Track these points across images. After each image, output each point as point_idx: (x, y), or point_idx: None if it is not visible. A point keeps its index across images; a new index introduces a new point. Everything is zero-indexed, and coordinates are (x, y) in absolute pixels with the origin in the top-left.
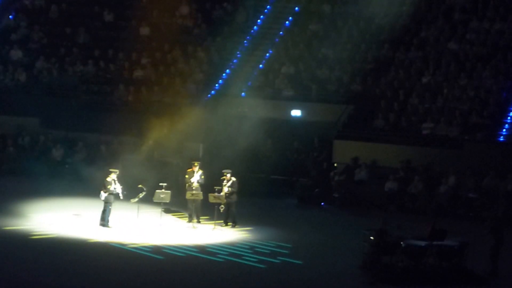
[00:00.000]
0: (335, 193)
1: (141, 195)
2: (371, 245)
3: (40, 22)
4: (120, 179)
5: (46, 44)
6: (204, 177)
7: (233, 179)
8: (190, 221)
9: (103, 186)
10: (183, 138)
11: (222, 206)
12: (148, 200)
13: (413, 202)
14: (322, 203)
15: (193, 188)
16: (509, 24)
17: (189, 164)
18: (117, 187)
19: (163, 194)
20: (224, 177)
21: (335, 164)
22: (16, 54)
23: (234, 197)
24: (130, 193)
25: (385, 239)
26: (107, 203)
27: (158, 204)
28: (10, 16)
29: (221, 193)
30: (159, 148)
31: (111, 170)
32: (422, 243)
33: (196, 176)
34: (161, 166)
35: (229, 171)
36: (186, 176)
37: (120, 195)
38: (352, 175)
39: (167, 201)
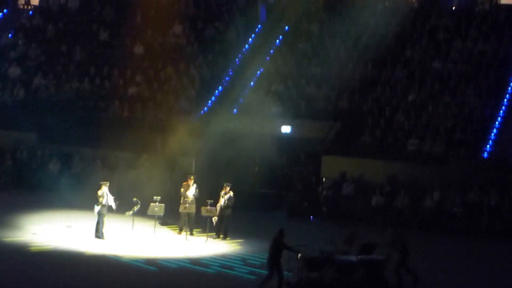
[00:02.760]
0: (323, 207)
1: (136, 208)
2: (300, 262)
3: (38, 40)
4: (117, 192)
5: (44, 61)
6: (199, 191)
7: (231, 193)
8: (180, 233)
9: (95, 199)
10: (177, 153)
11: (215, 218)
12: (143, 212)
13: (399, 216)
14: (311, 217)
15: (188, 201)
16: (492, 43)
17: (183, 178)
18: (109, 199)
19: (157, 207)
20: (224, 189)
21: (323, 179)
22: (15, 71)
23: (229, 211)
24: (125, 206)
25: (313, 256)
26: (100, 215)
27: (152, 216)
28: (9, 35)
29: (217, 205)
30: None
31: (102, 183)
32: (350, 258)
33: (192, 190)
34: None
35: (229, 184)
36: (182, 189)
37: (113, 206)
38: (339, 190)
39: (161, 214)
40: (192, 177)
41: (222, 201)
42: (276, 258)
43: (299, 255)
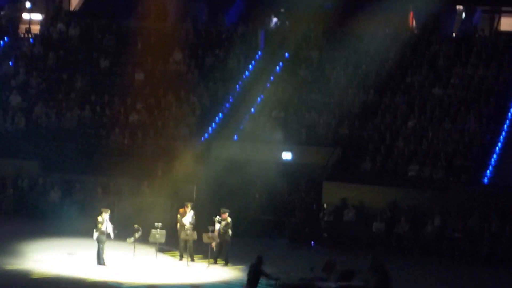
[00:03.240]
0: (325, 233)
1: (137, 235)
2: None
3: (39, 68)
4: (117, 219)
5: (45, 89)
6: (195, 218)
7: (229, 219)
8: (181, 259)
9: (95, 225)
10: (178, 179)
11: (214, 243)
12: (144, 239)
13: (400, 242)
14: (312, 243)
15: (186, 228)
16: (492, 70)
17: (183, 205)
18: (108, 227)
19: (158, 234)
20: (222, 215)
21: (324, 205)
22: (16, 99)
23: (228, 237)
24: (126, 233)
25: (292, 283)
26: (99, 242)
27: (153, 243)
28: (10, 63)
29: (215, 231)
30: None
31: (102, 209)
32: (330, 284)
33: (188, 217)
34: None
35: (227, 210)
36: (178, 216)
37: (111, 234)
38: (340, 216)
39: (162, 241)
40: (189, 204)
41: (217, 226)
42: (254, 285)
43: (277, 282)
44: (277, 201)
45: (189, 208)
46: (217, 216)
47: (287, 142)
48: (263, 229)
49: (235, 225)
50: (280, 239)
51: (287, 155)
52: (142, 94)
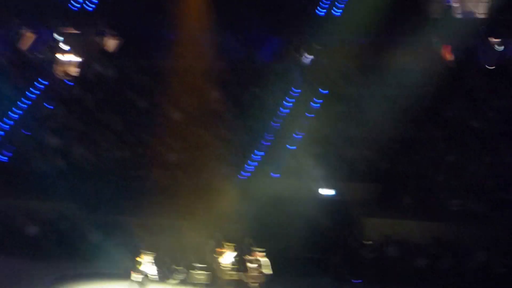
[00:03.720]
0: (367, 270)
1: (178, 276)
2: None
3: (77, 109)
4: (157, 260)
5: (83, 131)
6: (236, 257)
7: (264, 259)
8: None
9: (135, 267)
10: (218, 218)
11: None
12: (185, 280)
13: (444, 278)
14: (354, 280)
15: (225, 268)
16: None
17: (221, 244)
18: (148, 268)
19: (200, 275)
20: (257, 255)
21: (366, 242)
22: (54, 141)
23: (264, 277)
24: (166, 274)
25: None
26: (138, 283)
27: (194, 284)
28: (49, 105)
29: (252, 271)
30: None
31: (141, 250)
32: None
33: (228, 257)
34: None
35: (263, 250)
36: (216, 255)
37: (151, 276)
38: (383, 252)
39: (204, 282)
40: (228, 244)
41: (251, 266)
42: None
43: None
44: (318, 239)
45: (229, 247)
46: (249, 255)
47: (327, 178)
48: (304, 268)
49: (276, 263)
50: (322, 278)
51: (327, 191)
52: (179, 133)
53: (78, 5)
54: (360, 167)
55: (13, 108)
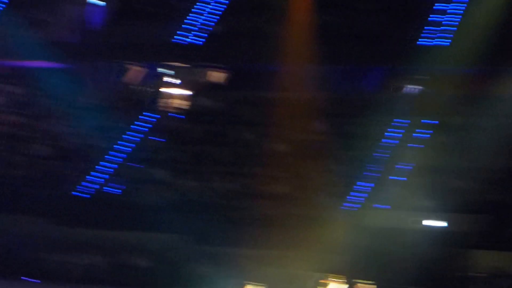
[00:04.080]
0: None
1: None
2: None
3: (187, 142)
4: None
5: (188, 162)
6: None
7: None
8: None
9: None
10: (323, 250)
11: None
12: None
13: None
14: None
15: None
16: None
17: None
18: None
19: None
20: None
21: (477, 274)
22: (161, 173)
23: None
24: None
25: None
26: None
27: None
28: (160, 138)
29: None
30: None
31: (245, 282)
32: None
33: None
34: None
35: (369, 282)
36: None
37: None
38: (494, 285)
39: None
40: (333, 276)
41: None
42: None
43: None
44: (427, 271)
45: (334, 279)
46: None
47: (436, 209)
48: None
49: None
50: None
51: (436, 222)
52: (286, 165)
53: (188, 39)
54: (469, 198)
55: (125, 142)
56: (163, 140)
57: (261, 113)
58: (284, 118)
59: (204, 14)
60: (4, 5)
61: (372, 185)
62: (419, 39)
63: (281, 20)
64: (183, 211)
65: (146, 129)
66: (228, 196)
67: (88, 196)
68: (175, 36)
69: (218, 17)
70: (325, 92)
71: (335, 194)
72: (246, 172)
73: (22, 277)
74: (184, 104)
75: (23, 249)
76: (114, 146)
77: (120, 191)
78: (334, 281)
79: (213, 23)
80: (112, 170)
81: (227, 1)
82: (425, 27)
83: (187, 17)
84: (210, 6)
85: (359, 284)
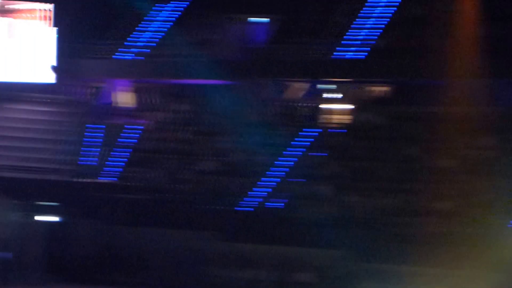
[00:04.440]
0: None
1: None
2: None
3: (348, 157)
4: None
5: (350, 177)
6: None
7: None
8: None
9: None
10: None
11: None
12: None
13: None
14: None
15: None
16: None
17: None
18: None
19: None
20: None
21: None
22: (322, 188)
23: None
24: None
25: None
26: None
27: None
28: (319, 153)
29: None
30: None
31: None
32: None
33: None
34: None
35: None
36: None
37: None
38: None
39: None
40: None
41: None
42: None
43: None
44: None
45: None
46: None
47: None
48: None
49: None
50: None
51: None
52: (448, 181)
53: (349, 54)
54: None
55: (286, 157)
56: (324, 155)
57: (425, 128)
58: (448, 133)
59: (365, 29)
60: (170, 26)
61: None
62: None
63: (445, 33)
64: (345, 226)
65: (307, 144)
66: (391, 212)
67: (251, 210)
68: (335, 52)
69: (380, 31)
70: (493, 106)
71: (503, 211)
72: (409, 188)
73: None
74: (345, 119)
75: (189, 263)
76: (276, 161)
77: (282, 205)
78: None
79: (374, 38)
80: (274, 185)
81: (389, 16)
82: None
83: (347, 32)
84: (372, 21)
85: None
